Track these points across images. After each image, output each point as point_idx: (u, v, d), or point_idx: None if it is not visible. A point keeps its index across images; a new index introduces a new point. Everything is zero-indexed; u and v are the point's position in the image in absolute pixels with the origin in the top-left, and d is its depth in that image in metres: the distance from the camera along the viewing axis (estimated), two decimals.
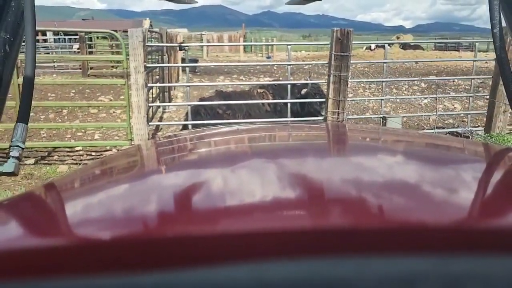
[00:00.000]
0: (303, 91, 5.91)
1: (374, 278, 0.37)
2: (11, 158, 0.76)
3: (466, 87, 10.39)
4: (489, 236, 0.42)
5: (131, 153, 1.14)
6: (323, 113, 5.53)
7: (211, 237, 0.42)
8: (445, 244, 0.41)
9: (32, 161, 5.03)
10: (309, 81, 6.10)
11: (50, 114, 7.70)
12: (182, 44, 6.30)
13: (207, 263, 0.38)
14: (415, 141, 1.04)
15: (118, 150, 5.39)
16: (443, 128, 6.33)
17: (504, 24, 0.85)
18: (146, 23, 27.90)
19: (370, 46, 27.94)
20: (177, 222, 0.48)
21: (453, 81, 11.84)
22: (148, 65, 4.71)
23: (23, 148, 0.78)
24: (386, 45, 5.64)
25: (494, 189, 0.61)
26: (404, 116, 6.08)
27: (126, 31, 4.74)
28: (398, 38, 32.74)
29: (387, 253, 0.39)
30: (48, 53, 19.04)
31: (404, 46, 28.22)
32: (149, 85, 4.99)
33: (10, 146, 0.78)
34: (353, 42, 5.11)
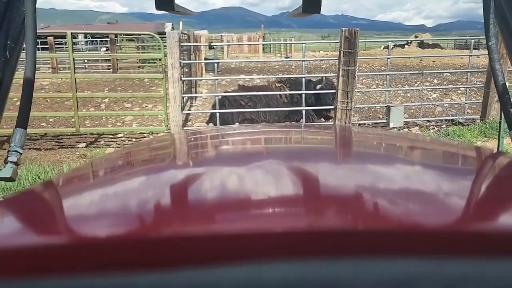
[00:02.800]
0: (318, 86, 6.62)
1: (371, 279, 0.37)
2: (9, 163, 0.75)
3: (478, 83, 10.85)
4: (484, 239, 0.43)
5: (135, 150, 1.16)
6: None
7: (210, 237, 0.43)
8: (441, 246, 0.41)
9: (83, 144, 5.92)
10: (323, 75, 6.82)
11: (91, 108, 8.61)
12: (212, 44, 7.13)
13: (206, 263, 0.39)
14: (413, 145, 1.06)
15: (154, 136, 6.23)
16: (433, 117, 6.94)
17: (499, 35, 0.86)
18: (169, 26, 29.01)
19: (388, 46, 28.26)
20: (175, 221, 0.49)
21: (466, 78, 12.28)
22: (182, 61, 5.52)
23: (21, 153, 0.77)
24: (390, 43, 6.27)
25: (489, 193, 0.62)
26: (406, 106, 6.72)
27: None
28: (416, 37, 32.94)
29: (384, 255, 0.39)
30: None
31: (422, 45, 28.42)
32: (183, 78, 5.80)
33: (8, 151, 0.76)
34: (360, 41, 5.79)
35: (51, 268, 0.40)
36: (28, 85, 0.77)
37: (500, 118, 4.81)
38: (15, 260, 0.41)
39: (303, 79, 6.43)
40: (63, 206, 0.62)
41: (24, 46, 0.81)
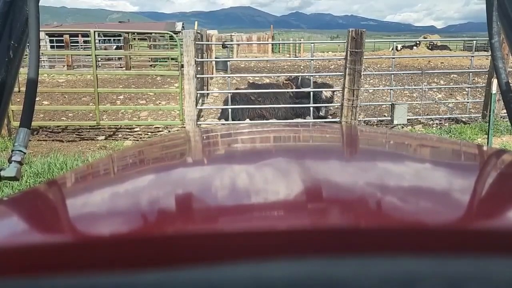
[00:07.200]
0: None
1: (375, 278, 0.37)
2: (13, 162, 0.75)
3: (484, 83, 11.05)
4: (488, 237, 0.43)
5: (141, 149, 1.17)
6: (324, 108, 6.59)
7: (214, 236, 0.43)
8: (445, 245, 0.41)
9: (102, 137, 6.28)
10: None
11: (107, 104, 8.98)
12: (226, 42, 7.48)
13: (210, 261, 0.39)
14: (417, 143, 1.07)
15: (169, 131, 6.57)
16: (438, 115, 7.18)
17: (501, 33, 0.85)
18: (179, 25, 29.44)
19: (397, 47, 28.46)
20: (179, 220, 0.50)
21: (473, 79, 12.48)
22: (196, 59, 5.85)
23: (25, 153, 0.76)
24: (395, 43, 6.52)
25: (493, 191, 0.62)
26: (410, 104, 6.99)
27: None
28: (425, 38, 33.00)
29: (387, 253, 0.39)
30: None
31: (432, 47, 28.52)
32: (197, 76, 6.13)
33: (12, 150, 0.76)
34: (369, 41, 6.08)
35: (55, 267, 0.40)
36: (32, 85, 0.77)
37: (490, 117, 5.05)
38: (19, 259, 0.41)
39: (311, 78, 6.75)
40: (67, 205, 0.63)
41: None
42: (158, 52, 17.74)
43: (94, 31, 6.64)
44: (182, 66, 5.78)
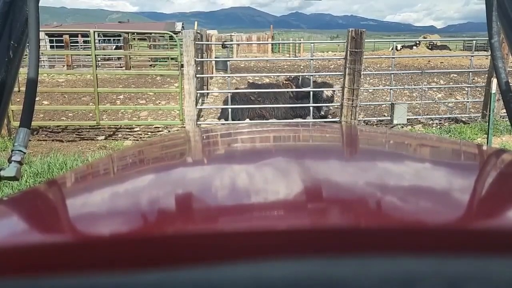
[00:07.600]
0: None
1: (374, 278, 0.37)
2: (13, 162, 0.75)
3: (484, 83, 11.05)
4: (488, 237, 0.43)
5: (141, 149, 1.18)
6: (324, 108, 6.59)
7: (214, 236, 0.43)
8: (445, 245, 0.41)
9: (102, 137, 6.28)
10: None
11: (107, 104, 8.98)
12: (226, 42, 7.50)
13: (208, 262, 0.39)
14: (417, 143, 1.06)
15: (169, 131, 6.57)
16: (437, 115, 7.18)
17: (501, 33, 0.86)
18: (179, 25, 29.46)
19: (397, 47, 28.47)
20: (179, 220, 0.50)
21: (473, 79, 12.49)
22: (196, 59, 5.85)
23: (25, 153, 0.77)
24: (395, 43, 6.50)
25: (493, 191, 0.62)
26: (410, 104, 7.00)
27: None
28: (425, 38, 33.02)
29: (387, 253, 0.39)
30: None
31: (431, 47, 28.53)
32: (197, 75, 6.13)
33: (12, 150, 0.76)
34: (368, 41, 6.08)
35: (55, 267, 0.40)
36: (31, 85, 0.77)
37: (489, 117, 5.05)
38: (19, 258, 0.41)
39: (311, 78, 6.75)
40: (67, 205, 0.63)
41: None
42: (158, 52, 17.77)
43: (94, 31, 6.63)
44: (182, 66, 5.78)
